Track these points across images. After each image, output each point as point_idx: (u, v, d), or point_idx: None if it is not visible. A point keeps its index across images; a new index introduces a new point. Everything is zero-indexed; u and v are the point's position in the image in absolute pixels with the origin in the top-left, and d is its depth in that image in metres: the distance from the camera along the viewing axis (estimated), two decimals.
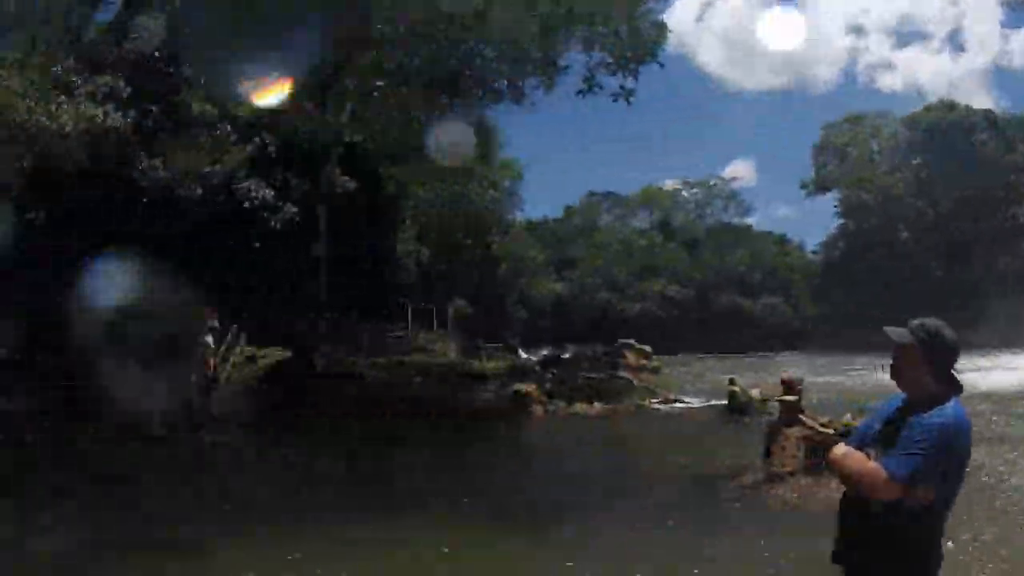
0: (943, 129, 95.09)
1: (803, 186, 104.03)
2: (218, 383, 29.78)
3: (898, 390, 5.25)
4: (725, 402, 30.19)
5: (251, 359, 33.36)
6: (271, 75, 32.37)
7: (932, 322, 5.14)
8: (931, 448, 4.76)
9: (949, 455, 4.86)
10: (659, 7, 31.94)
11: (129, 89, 30.27)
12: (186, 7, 30.72)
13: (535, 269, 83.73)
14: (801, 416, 15.69)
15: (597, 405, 31.38)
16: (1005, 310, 75.91)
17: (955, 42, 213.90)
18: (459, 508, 15.58)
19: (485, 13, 30.38)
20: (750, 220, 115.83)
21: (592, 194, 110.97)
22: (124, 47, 32.24)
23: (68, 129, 26.97)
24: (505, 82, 35.11)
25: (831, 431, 16.71)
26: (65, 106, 27.16)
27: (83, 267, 28.68)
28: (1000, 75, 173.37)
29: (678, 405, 33.13)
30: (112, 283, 28.33)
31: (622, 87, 31.77)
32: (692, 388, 37.87)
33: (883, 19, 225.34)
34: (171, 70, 32.57)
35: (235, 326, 32.55)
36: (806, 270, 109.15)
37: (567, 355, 42.61)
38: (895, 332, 5.21)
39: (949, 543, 5.47)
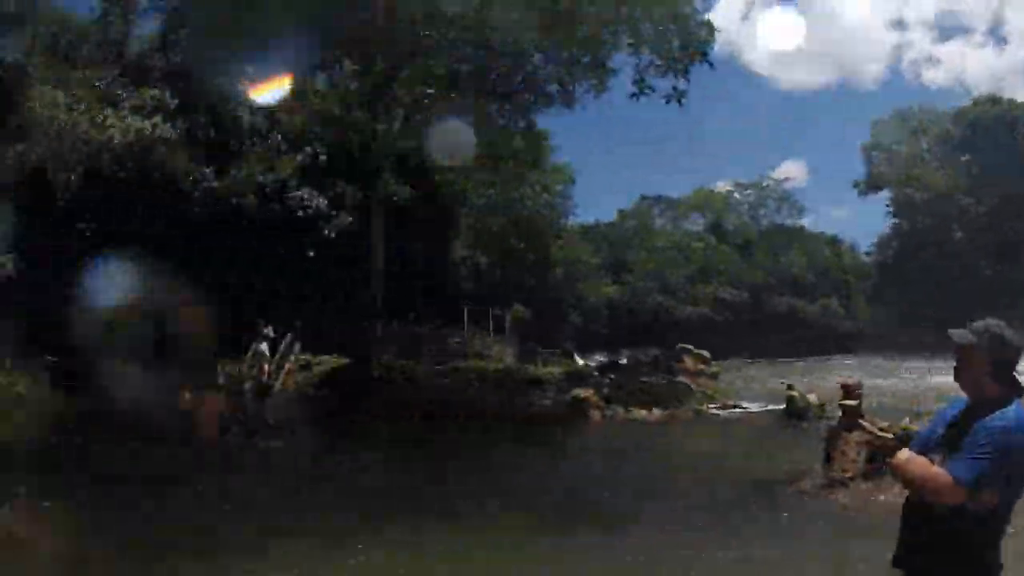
0: (986, 125, 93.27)
1: (855, 185, 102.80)
2: (273, 390, 29.63)
3: (957, 392, 5.15)
4: (783, 407, 29.59)
5: (306, 366, 32.97)
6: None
7: (994, 323, 5.01)
8: (995, 452, 4.64)
9: (1012, 459, 4.71)
10: (705, 6, 31.28)
11: (176, 101, 30.35)
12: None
13: (589, 273, 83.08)
14: (861, 421, 15.42)
15: (655, 410, 30.85)
16: None
17: (997, 35, 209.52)
18: (517, 513, 15.33)
19: (531, 18, 30.20)
20: (803, 221, 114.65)
21: (644, 197, 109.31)
22: (169, 60, 32.26)
23: (116, 141, 27.10)
24: (555, 86, 34.79)
25: (890, 435, 16.43)
26: (112, 118, 27.27)
27: (131, 275, 28.76)
28: None
29: (736, 410, 32.54)
30: (163, 292, 28.39)
31: (674, 88, 31.11)
32: (748, 393, 37.36)
33: (924, 13, 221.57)
34: (218, 81, 32.52)
35: (289, 334, 32.23)
36: (860, 271, 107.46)
37: (624, 360, 42.04)
38: (958, 334, 5.05)
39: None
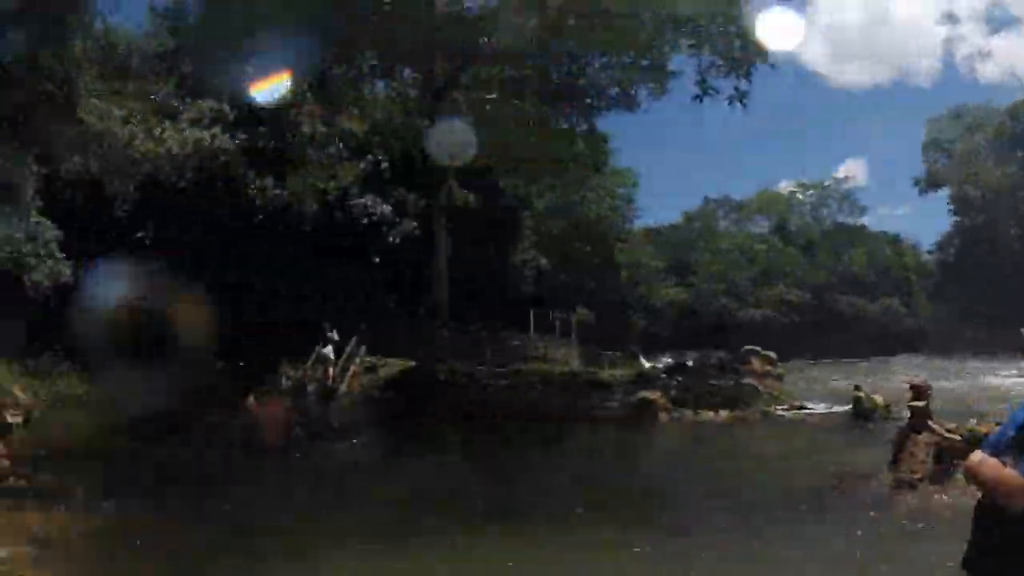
0: None
1: (915, 183, 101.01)
2: (337, 393, 29.38)
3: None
4: (849, 408, 28.75)
5: (371, 369, 32.68)
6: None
7: None
8: None
9: None
10: (760, 4, 30.53)
11: (235, 112, 30.29)
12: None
13: (652, 276, 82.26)
14: (929, 422, 15.95)
15: (722, 412, 30.17)
16: None
17: None
18: (582, 515, 14.97)
19: (593, 23, 29.75)
20: (865, 220, 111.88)
21: (708, 199, 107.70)
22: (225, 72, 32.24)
23: (175, 152, 27.11)
24: (616, 89, 34.26)
25: (957, 437, 15.72)
26: (169, 130, 27.30)
27: (190, 282, 28.82)
28: None
29: (802, 411, 31.70)
30: (222, 298, 28.39)
31: (736, 89, 30.45)
32: (813, 394, 36.53)
33: (974, 6, 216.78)
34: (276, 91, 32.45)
35: (355, 337, 31.96)
36: (922, 270, 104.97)
37: (690, 362, 41.28)
38: None
39: None
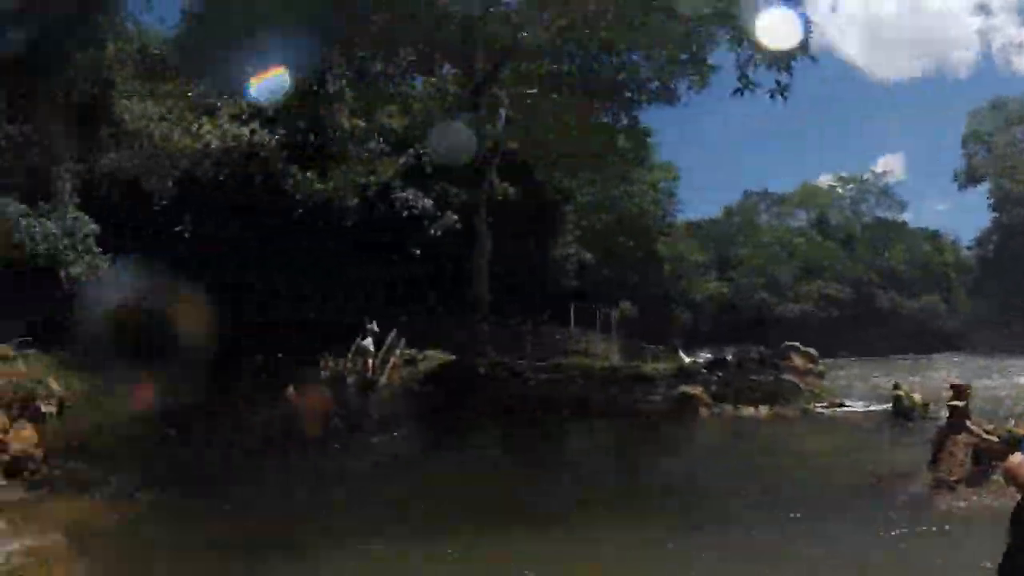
0: None
1: (955, 178, 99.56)
2: (377, 385, 29.15)
3: None
4: (889, 406, 28.19)
5: (411, 362, 32.34)
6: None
7: None
8: None
9: None
10: None
11: (273, 107, 30.24)
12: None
13: (693, 270, 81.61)
14: (967, 422, 15.66)
15: (762, 408, 29.71)
16: None
17: None
18: (624, 512, 14.77)
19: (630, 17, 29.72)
20: (905, 216, 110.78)
21: (749, 193, 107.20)
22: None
23: (213, 147, 27.03)
24: (656, 83, 33.81)
25: (995, 438, 15.27)
26: (207, 126, 27.23)
27: (230, 276, 28.79)
28: None
29: (842, 409, 31.13)
30: (262, 291, 28.34)
31: (778, 83, 29.71)
32: (853, 391, 36.16)
33: None
34: (316, 87, 32.31)
35: (395, 330, 31.67)
36: (961, 266, 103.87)
37: (730, 357, 40.75)
38: None
39: None
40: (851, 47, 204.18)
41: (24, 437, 16.17)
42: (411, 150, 35.55)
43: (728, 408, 29.71)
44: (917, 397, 27.66)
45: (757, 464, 21.15)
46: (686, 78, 33.30)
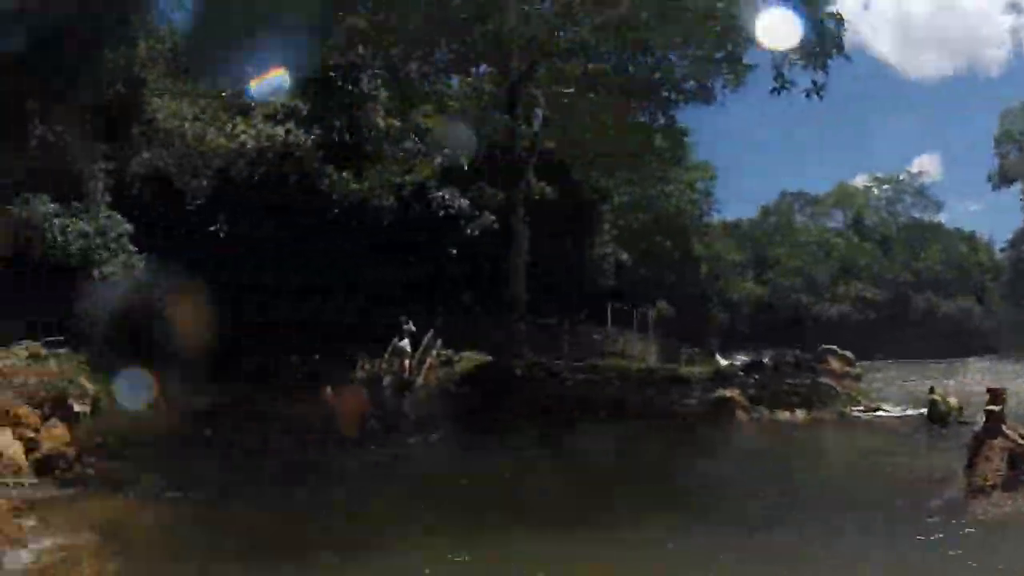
0: None
1: (988, 179, 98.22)
2: (413, 386, 28.92)
3: None
4: (924, 411, 27.88)
5: (448, 362, 32.07)
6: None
7: None
8: None
9: None
10: None
11: (309, 107, 30.10)
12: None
13: (732, 270, 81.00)
14: (1004, 427, 15.30)
15: (799, 412, 29.26)
16: None
17: None
18: (661, 514, 14.50)
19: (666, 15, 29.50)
20: (940, 217, 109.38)
21: (785, 194, 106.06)
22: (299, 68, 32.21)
23: (248, 147, 26.95)
24: (693, 82, 33.46)
25: None
26: (241, 125, 27.17)
27: (265, 276, 28.73)
28: None
29: (878, 414, 30.57)
30: (298, 291, 28.27)
31: (814, 82, 29.39)
32: (890, 395, 35.80)
33: None
34: (351, 87, 32.13)
35: (431, 331, 31.43)
36: (996, 268, 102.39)
37: (766, 360, 40.34)
38: None
39: None
40: (883, 45, 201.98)
41: (56, 436, 16.03)
42: (447, 150, 35.36)
43: (765, 412, 29.19)
44: (953, 401, 27.49)
45: (792, 468, 20.94)
46: (721, 77, 32.96)
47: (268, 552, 12.09)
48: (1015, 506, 14.19)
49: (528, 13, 31.27)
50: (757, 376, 33.59)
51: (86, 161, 25.42)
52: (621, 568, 11.78)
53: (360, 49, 32.72)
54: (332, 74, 32.21)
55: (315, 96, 31.50)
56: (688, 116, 39.05)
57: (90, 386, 19.70)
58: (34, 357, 20.38)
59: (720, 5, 29.05)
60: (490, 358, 32.38)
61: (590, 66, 33.38)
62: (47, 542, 11.58)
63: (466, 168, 34.98)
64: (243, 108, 29.35)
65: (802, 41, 29.20)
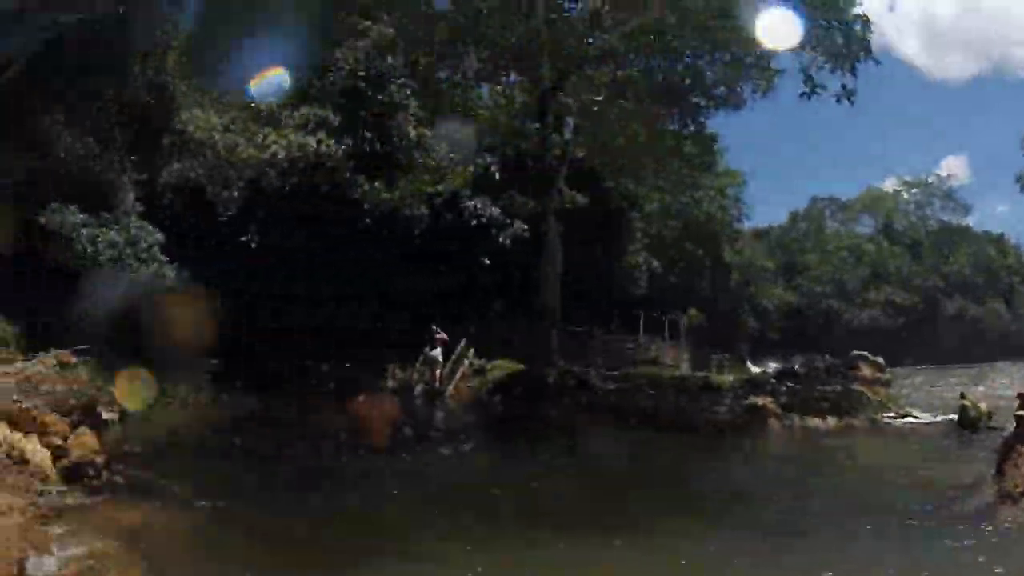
0: None
1: (1017, 179, 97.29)
2: (444, 394, 28.74)
3: None
4: (954, 416, 27.66)
5: (479, 371, 31.93)
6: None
7: None
8: None
9: None
10: None
11: (339, 118, 30.07)
12: None
13: (763, 276, 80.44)
14: None
15: (830, 419, 28.84)
16: None
17: None
18: (692, 522, 14.46)
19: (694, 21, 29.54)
20: (968, 219, 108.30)
21: (815, 199, 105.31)
22: (327, 79, 32.13)
23: (279, 157, 26.95)
24: (722, 88, 33.23)
25: None
26: (272, 136, 27.21)
27: (297, 285, 28.73)
28: None
29: (908, 420, 30.18)
30: (329, 301, 28.26)
31: (843, 86, 29.37)
32: (920, 401, 35.53)
33: None
34: (380, 97, 32.09)
35: (463, 339, 31.29)
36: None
37: (797, 366, 39.99)
38: None
39: None
40: (908, 47, 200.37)
41: (84, 443, 15.73)
42: (479, 160, 35.26)
43: (796, 419, 28.81)
44: (983, 407, 27.24)
45: (822, 475, 20.80)
46: (751, 82, 32.71)
47: (293, 560, 11.88)
48: None
49: (557, 21, 31.09)
50: (788, 383, 33.24)
51: (115, 172, 25.44)
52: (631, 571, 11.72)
53: (389, 59, 32.80)
54: (361, 84, 32.18)
55: (345, 106, 31.38)
56: (715, 122, 38.83)
57: (119, 393, 19.64)
58: (62, 365, 20.29)
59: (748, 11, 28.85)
60: (522, 367, 32.12)
61: (619, 73, 33.13)
62: (74, 549, 11.17)
63: (497, 177, 34.88)
64: (273, 118, 29.34)
65: (829, 44, 29.14)
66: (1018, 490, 14.50)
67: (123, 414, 19.69)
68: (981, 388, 37.17)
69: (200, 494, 15.06)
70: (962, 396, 28.10)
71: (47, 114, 24.23)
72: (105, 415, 18.39)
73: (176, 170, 27.27)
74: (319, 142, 29.24)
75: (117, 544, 11.69)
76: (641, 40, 31.52)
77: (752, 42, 30.31)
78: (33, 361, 19.63)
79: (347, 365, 29.02)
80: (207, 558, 12.16)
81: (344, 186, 30.87)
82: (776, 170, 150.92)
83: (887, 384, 34.98)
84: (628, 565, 11.88)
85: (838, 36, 29.12)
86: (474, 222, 35.14)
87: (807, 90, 29.57)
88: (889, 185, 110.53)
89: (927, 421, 29.94)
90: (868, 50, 29.35)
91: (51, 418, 15.84)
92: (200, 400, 24.00)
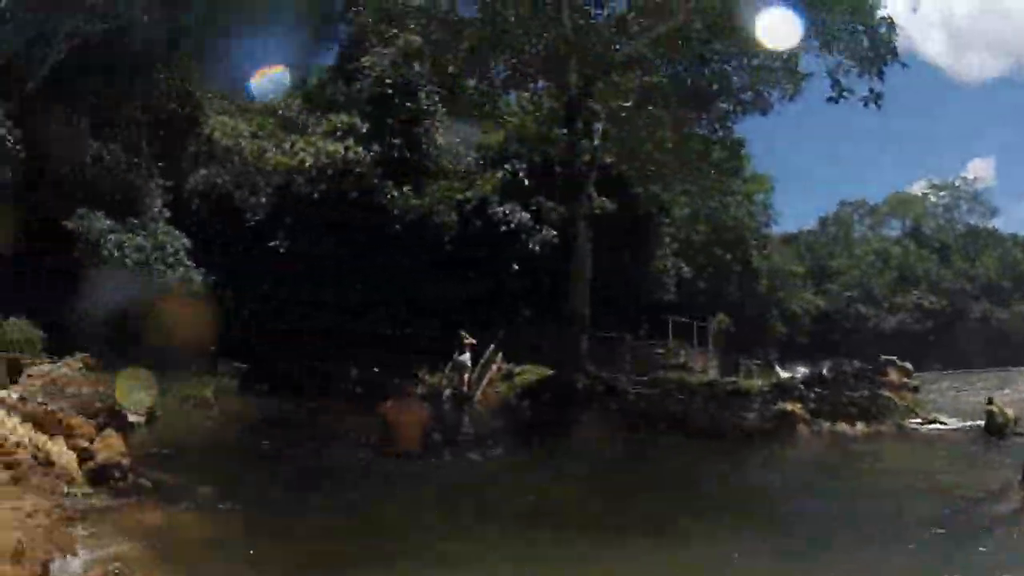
0: None
1: None
2: (473, 400, 28.51)
3: None
4: (981, 422, 27.30)
5: (508, 376, 31.67)
6: None
7: None
8: None
9: None
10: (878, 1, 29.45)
11: (368, 125, 30.04)
12: None
13: (792, 281, 79.89)
14: None
15: (858, 425, 28.65)
16: None
17: None
18: (721, 528, 14.20)
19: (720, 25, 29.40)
20: (995, 222, 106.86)
21: (843, 203, 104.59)
22: (354, 86, 32.11)
23: (308, 164, 26.92)
24: (750, 93, 32.95)
25: None
26: (300, 143, 27.24)
27: (326, 290, 28.70)
28: None
29: (935, 426, 29.94)
30: (357, 306, 28.22)
31: (871, 90, 29.16)
32: (947, 406, 35.18)
33: None
34: (408, 104, 32.03)
35: (492, 345, 31.07)
36: None
37: (826, 371, 39.64)
38: None
39: None
40: (931, 48, 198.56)
41: (110, 446, 15.69)
42: (507, 166, 35.12)
43: (825, 425, 28.59)
44: (1009, 413, 26.98)
45: (849, 480, 20.77)
46: (779, 86, 32.42)
47: (318, 563, 11.83)
48: None
49: (583, 28, 30.89)
50: (817, 389, 32.91)
51: (142, 178, 25.50)
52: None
53: (416, 66, 32.76)
54: (389, 91, 32.16)
55: (372, 113, 31.33)
56: (741, 127, 38.51)
57: (145, 395, 19.63)
58: (87, 367, 20.30)
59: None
60: (551, 372, 31.82)
61: (646, 79, 32.90)
62: (98, 551, 11.15)
63: (526, 183, 34.76)
64: (301, 126, 29.42)
65: (856, 48, 28.99)
66: None
67: (150, 416, 19.68)
68: (1007, 392, 37.03)
69: (226, 497, 15.21)
70: (989, 402, 27.74)
71: (73, 122, 24.28)
72: (131, 418, 18.45)
73: (203, 176, 27.31)
74: (347, 149, 29.24)
75: (142, 546, 11.80)
76: (667, 46, 31.25)
77: (777, 47, 30.14)
78: (58, 364, 19.62)
79: (375, 370, 28.90)
80: (231, 560, 12.05)
81: (372, 192, 30.84)
82: (801, 174, 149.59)
83: (914, 389, 34.67)
84: (653, 569, 11.81)
85: (864, 40, 28.86)
86: (503, 228, 34.92)
87: (834, 95, 29.34)
88: (916, 188, 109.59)
89: (954, 427, 29.67)
90: (894, 53, 29.06)
91: (77, 420, 15.87)
92: (227, 403, 23.93)
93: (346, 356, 29.13)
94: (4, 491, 11.97)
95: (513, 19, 30.44)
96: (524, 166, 36.31)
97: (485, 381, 30.21)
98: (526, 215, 35.49)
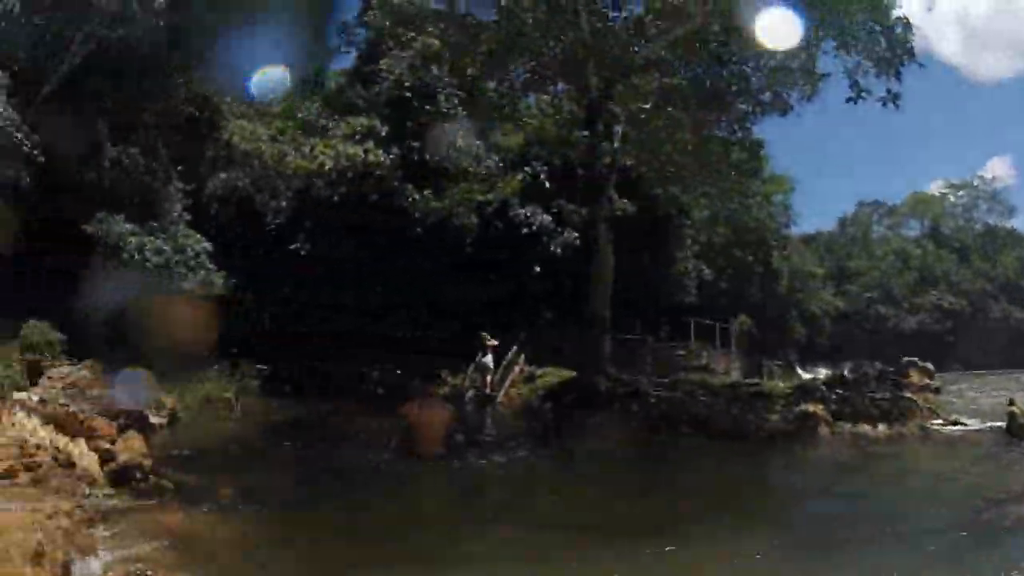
0: None
1: None
2: (495, 401, 28.37)
3: None
4: (1003, 424, 26.94)
5: (530, 379, 31.60)
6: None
7: None
8: None
9: None
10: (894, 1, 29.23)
11: (387, 128, 29.96)
12: None
13: (812, 283, 79.42)
14: None
15: (881, 427, 28.08)
16: None
17: None
18: (742, 533, 13.86)
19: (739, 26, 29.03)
20: (1013, 221, 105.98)
21: (862, 203, 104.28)
22: (373, 90, 32.06)
23: (328, 168, 26.87)
24: (768, 94, 32.72)
25: None
26: (319, 147, 27.20)
27: (347, 293, 28.64)
28: None
29: (957, 427, 29.30)
30: (378, 308, 28.14)
31: (888, 90, 28.93)
32: (968, 408, 34.58)
33: None
34: (427, 107, 31.93)
35: (514, 347, 31.01)
36: None
37: (847, 372, 39.37)
38: None
39: None
40: (947, 47, 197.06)
41: (132, 447, 15.64)
42: (527, 168, 35.02)
43: (847, 427, 28.06)
44: None
45: (870, 482, 20.43)
46: (796, 87, 32.21)
47: (338, 568, 11.77)
48: None
49: (601, 31, 30.75)
50: (839, 390, 32.63)
51: (161, 182, 25.51)
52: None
53: (435, 69, 32.69)
54: (408, 94, 32.09)
55: (391, 116, 31.27)
56: (759, 129, 38.33)
57: (167, 398, 19.57)
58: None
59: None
60: (572, 374, 31.69)
61: (665, 81, 32.73)
62: (120, 552, 11.09)
63: (547, 185, 34.65)
64: (320, 129, 29.40)
65: (873, 49, 28.76)
66: None
67: (172, 418, 19.60)
68: None
69: (248, 498, 15.06)
70: (1010, 403, 27.38)
71: (91, 126, 24.29)
72: (153, 419, 18.39)
73: (222, 180, 27.31)
74: (367, 152, 29.16)
75: (163, 547, 11.72)
76: (685, 48, 31.17)
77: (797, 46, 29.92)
78: (79, 366, 19.58)
79: (397, 372, 28.82)
80: (251, 562, 12.04)
81: (392, 195, 30.79)
82: (820, 174, 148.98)
83: (936, 390, 34.52)
84: (674, 570, 11.71)
85: (881, 40, 28.66)
86: (524, 230, 34.83)
87: (853, 96, 29.15)
88: (934, 188, 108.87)
89: (976, 428, 29.07)
90: (911, 53, 28.87)
91: (99, 422, 15.82)
92: (248, 405, 23.86)
93: (367, 358, 29.04)
94: (25, 493, 11.87)
95: (531, 22, 30.21)
96: (545, 168, 36.14)
97: (507, 383, 30.16)
98: (547, 217, 35.36)
